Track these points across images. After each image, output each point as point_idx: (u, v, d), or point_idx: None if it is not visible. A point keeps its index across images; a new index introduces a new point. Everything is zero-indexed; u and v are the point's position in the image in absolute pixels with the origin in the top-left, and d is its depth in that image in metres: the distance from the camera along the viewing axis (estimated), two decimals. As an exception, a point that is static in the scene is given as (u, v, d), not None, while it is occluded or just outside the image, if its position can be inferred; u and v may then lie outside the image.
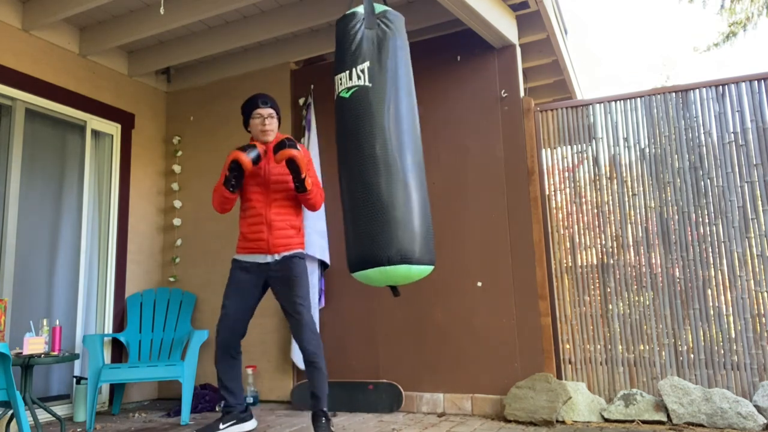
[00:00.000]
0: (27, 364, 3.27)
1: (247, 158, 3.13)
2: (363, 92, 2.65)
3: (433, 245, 2.65)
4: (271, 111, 3.35)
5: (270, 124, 3.34)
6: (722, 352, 3.43)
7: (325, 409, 3.19)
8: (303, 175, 3.15)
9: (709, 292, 3.50)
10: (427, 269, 2.62)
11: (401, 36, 2.75)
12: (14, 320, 3.95)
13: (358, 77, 2.67)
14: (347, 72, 2.72)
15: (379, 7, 2.79)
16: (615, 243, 3.76)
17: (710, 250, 3.53)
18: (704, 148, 3.63)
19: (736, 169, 3.54)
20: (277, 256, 3.28)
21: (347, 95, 2.71)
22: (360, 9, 2.81)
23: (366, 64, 2.67)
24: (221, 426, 3.29)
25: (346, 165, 2.70)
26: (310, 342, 3.19)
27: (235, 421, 3.34)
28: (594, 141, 3.91)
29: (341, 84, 2.77)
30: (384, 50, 2.68)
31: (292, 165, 3.12)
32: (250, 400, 4.35)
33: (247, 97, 4.89)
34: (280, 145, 3.11)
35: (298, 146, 3.15)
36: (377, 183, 2.56)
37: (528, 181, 3.93)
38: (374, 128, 2.60)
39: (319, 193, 3.31)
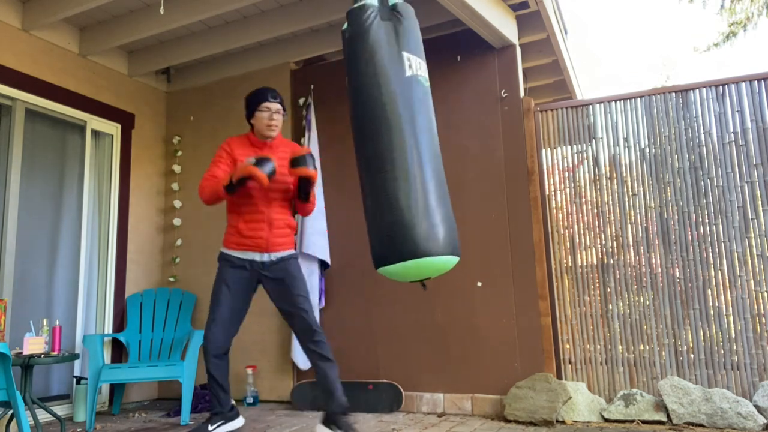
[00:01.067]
0: (27, 364, 3.27)
1: (262, 174, 2.96)
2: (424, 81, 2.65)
3: (445, 235, 2.45)
4: (279, 107, 3.27)
5: (277, 120, 3.26)
6: (722, 352, 3.43)
7: (344, 405, 3.04)
8: (310, 192, 3.17)
9: (709, 292, 3.50)
10: (441, 261, 2.42)
11: (416, 26, 2.72)
12: (14, 320, 3.95)
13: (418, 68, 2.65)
14: (410, 60, 2.64)
15: (392, 1, 2.72)
16: (615, 243, 3.76)
17: (710, 250, 3.53)
18: (704, 148, 3.63)
19: (736, 169, 3.54)
20: (273, 256, 3.21)
21: (427, 85, 2.66)
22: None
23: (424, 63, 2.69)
24: (210, 428, 3.17)
25: (360, 162, 2.65)
26: (321, 338, 3.09)
27: (223, 420, 3.24)
28: (594, 141, 3.91)
29: (420, 69, 2.66)
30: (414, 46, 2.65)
31: (305, 184, 3.10)
32: (250, 400, 4.35)
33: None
34: (301, 161, 3.02)
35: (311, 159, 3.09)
36: (383, 179, 2.49)
37: (528, 181, 3.93)
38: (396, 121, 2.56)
39: (313, 202, 3.34)
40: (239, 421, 3.37)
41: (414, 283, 2.65)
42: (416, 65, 2.61)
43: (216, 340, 3.14)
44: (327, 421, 3.02)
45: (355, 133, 2.63)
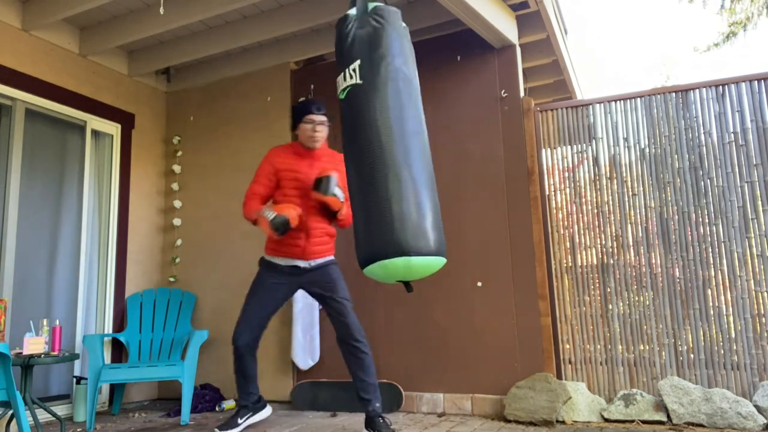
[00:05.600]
0: (27, 364, 3.27)
1: (271, 233, 3.15)
2: (355, 91, 2.67)
3: (435, 236, 2.58)
4: (323, 118, 3.36)
5: (321, 132, 3.35)
6: (722, 352, 3.43)
7: (378, 407, 3.24)
8: (336, 212, 3.30)
9: (709, 292, 3.50)
10: (430, 260, 2.54)
11: (395, 28, 2.72)
12: (14, 320, 3.95)
13: (351, 77, 2.70)
14: (342, 74, 2.75)
15: (372, 5, 2.78)
16: (615, 243, 3.76)
17: (710, 250, 3.53)
18: (704, 148, 3.63)
19: (736, 169, 3.54)
20: (311, 263, 3.33)
21: (343, 96, 2.74)
22: (353, 10, 2.82)
23: (357, 63, 2.68)
24: (239, 420, 3.38)
25: (349, 166, 2.71)
26: (360, 339, 3.27)
27: (251, 413, 3.44)
28: (594, 141, 3.91)
29: (339, 87, 2.80)
30: (375, 46, 2.68)
31: (327, 205, 3.25)
32: (250, 400, 4.35)
33: (248, 96, 4.93)
34: (320, 185, 3.20)
35: (337, 179, 3.25)
36: (373, 179, 2.56)
37: (528, 181, 3.93)
38: (364, 124, 2.61)
39: (349, 214, 3.35)
40: (267, 411, 3.59)
41: (399, 283, 2.72)
42: (355, 75, 2.69)
43: (239, 337, 3.32)
44: (366, 424, 3.26)
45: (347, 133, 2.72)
